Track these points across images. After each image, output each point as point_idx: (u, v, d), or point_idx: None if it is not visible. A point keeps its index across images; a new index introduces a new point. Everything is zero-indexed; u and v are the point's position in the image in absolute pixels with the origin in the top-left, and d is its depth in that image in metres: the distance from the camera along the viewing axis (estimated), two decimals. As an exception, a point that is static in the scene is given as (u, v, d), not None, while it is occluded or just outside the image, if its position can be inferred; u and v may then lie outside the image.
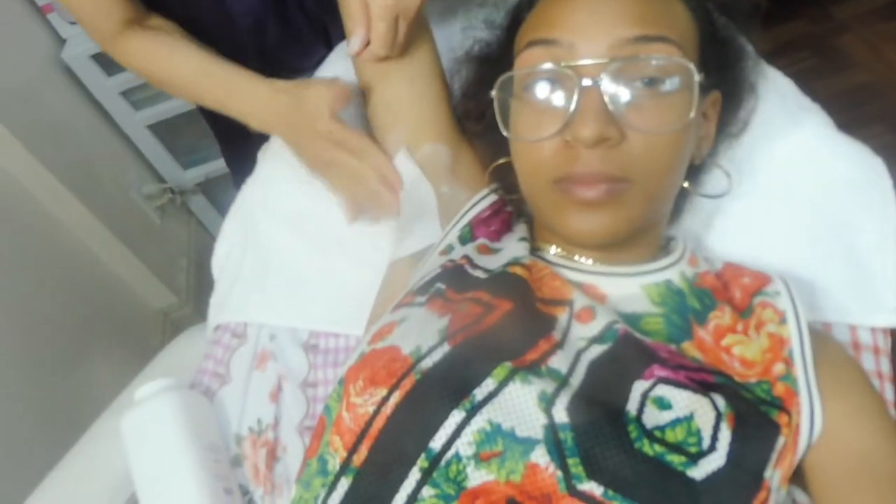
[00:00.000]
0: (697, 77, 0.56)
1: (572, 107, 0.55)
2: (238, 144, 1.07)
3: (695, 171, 0.70)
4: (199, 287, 1.81)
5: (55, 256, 1.45)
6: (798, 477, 0.57)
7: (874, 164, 0.74)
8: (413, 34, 0.68)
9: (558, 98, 0.57)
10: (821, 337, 0.61)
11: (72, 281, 1.48)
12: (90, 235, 1.54)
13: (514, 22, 0.67)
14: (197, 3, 0.85)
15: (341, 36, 0.87)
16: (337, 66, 0.87)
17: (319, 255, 0.81)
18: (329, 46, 0.92)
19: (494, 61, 0.69)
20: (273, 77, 0.81)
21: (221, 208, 1.84)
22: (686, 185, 0.65)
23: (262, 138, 0.88)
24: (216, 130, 1.09)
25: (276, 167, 0.84)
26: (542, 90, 0.58)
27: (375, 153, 0.72)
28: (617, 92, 0.55)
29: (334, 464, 0.52)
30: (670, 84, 0.56)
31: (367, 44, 0.65)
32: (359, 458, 0.51)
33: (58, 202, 1.45)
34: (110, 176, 1.66)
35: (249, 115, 0.78)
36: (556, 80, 0.57)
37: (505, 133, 0.61)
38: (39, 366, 1.27)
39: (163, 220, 1.80)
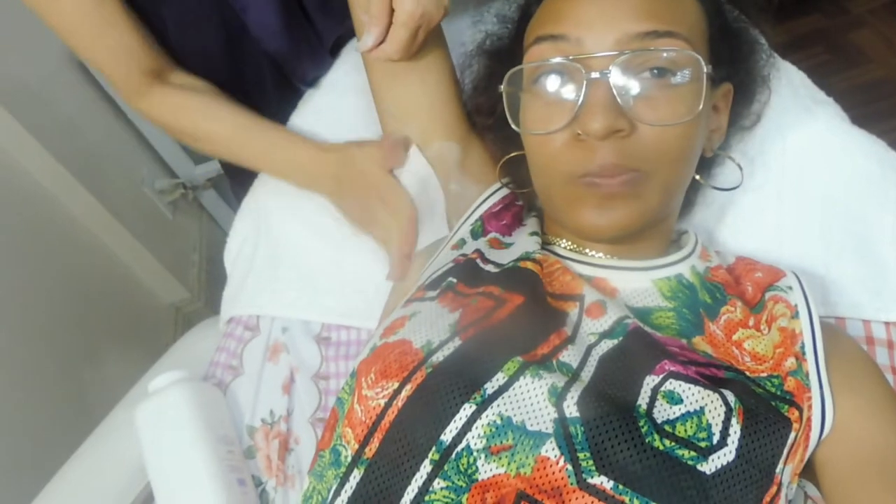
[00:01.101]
0: (706, 69, 0.56)
1: (580, 100, 0.55)
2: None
3: (706, 164, 0.70)
4: (210, 282, 1.82)
5: (68, 251, 1.46)
6: (809, 471, 0.57)
7: (889, 159, 0.74)
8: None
9: (567, 91, 0.57)
10: (833, 332, 0.61)
11: (84, 275, 1.49)
12: (103, 230, 1.55)
13: (524, 16, 0.67)
14: (211, 23, 0.84)
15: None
16: (346, 65, 0.87)
17: (331, 248, 0.81)
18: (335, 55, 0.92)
19: (505, 55, 0.69)
20: (285, 88, 0.81)
21: (233, 204, 1.84)
22: (698, 177, 0.65)
23: None
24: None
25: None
26: (551, 83, 0.58)
27: (407, 217, 0.71)
28: (626, 84, 0.55)
29: (346, 455, 0.53)
30: (680, 76, 0.56)
31: (379, 43, 0.65)
32: (371, 450, 0.51)
33: (71, 197, 1.46)
34: (123, 171, 1.67)
35: (294, 172, 0.78)
36: (564, 73, 0.57)
37: (514, 127, 0.61)
38: (52, 359, 1.28)
39: (175, 215, 1.81)
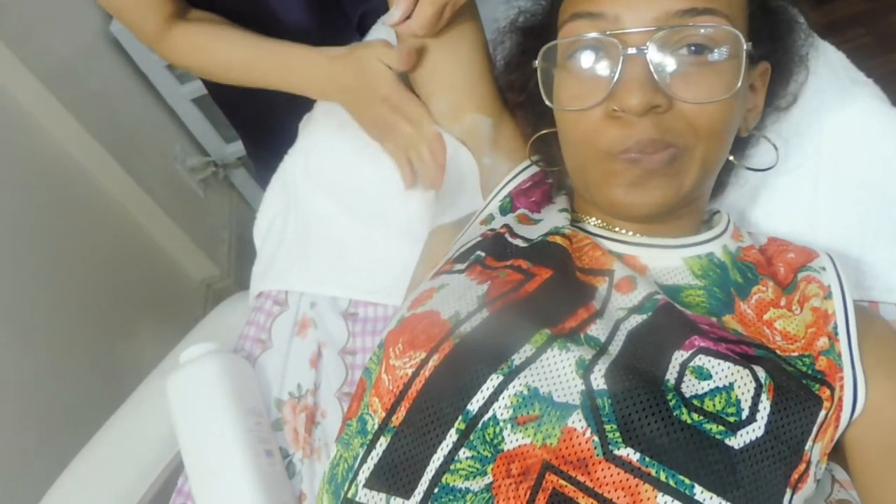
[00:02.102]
0: (746, 46, 0.55)
1: (616, 76, 0.54)
2: (257, 136, 1.08)
3: (741, 144, 0.69)
4: (239, 259, 1.84)
5: (101, 226, 1.49)
6: (838, 454, 0.56)
7: (929, 142, 0.72)
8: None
9: (602, 67, 0.56)
10: (867, 314, 0.60)
11: (117, 250, 1.52)
12: (135, 206, 1.58)
13: None
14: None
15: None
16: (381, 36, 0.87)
17: (360, 225, 0.81)
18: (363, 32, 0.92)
19: (538, 31, 0.68)
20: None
21: (262, 183, 1.86)
22: (731, 157, 0.64)
23: (281, 130, 0.89)
24: (235, 123, 1.09)
25: (317, 138, 0.85)
26: (586, 59, 0.57)
27: (429, 125, 0.73)
28: (663, 61, 0.54)
29: (373, 424, 0.53)
30: (717, 53, 0.55)
31: (407, 17, 0.65)
32: (397, 418, 0.52)
33: (105, 173, 1.49)
34: (156, 148, 1.70)
35: (307, 85, 0.79)
36: (600, 48, 0.56)
37: (548, 103, 0.61)
38: (84, 332, 1.31)
39: (206, 192, 1.84)
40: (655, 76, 0.53)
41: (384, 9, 0.85)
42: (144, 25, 0.80)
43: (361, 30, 0.92)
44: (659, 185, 0.56)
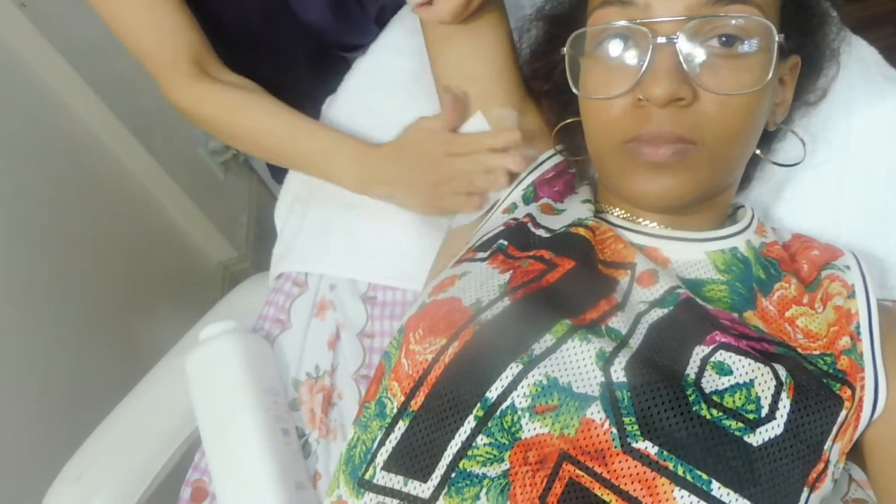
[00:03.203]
0: (778, 38, 0.54)
1: (645, 65, 0.54)
2: None
3: (767, 139, 0.68)
4: (257, 242, 1.85)
5: (122, 205, 1.50)
6: (856, 454, 0.56)
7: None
8: None
9: (631, 56, 0.56)
10: (891, 314, 0.60)
11: (138, 230, 1.53)
12: (157, 186, 1.59)
13: None
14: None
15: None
16: (396, 32, 0.87)
17: (381, 208, 0.82)
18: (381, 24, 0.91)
19: (565, 19, 0.68)
20: (323, 55, 0.78)
21: (275, 173, 1.87)
22: (758, 151, 0.63)
23: None
24: None
25: (338, 124, 0.85)
26: (614, 48, 0.57)
27: (480, 143, 0.69)
28: (692, 51, 0.54)
29: (392, 407, 0.53)
30: (748, 45, 0.54)
31: (429, 2, 0.64)
32: (416, 403, 0.52)
33: (128, 153, 1.50)
34: (178, 131, 1.70)
35: (338, 172, 0.76)
36: (629, 37, 0.56)
37: (575, 91, 0.61)
38: (103, 310, 1.33)
39: (226, 175, 1.85)
40: (685, 66, 0.53)
41: (402, 2, 0.85)
42: (169, 61, 0.74)
43: (380, 23, 0.92)
44: (674, 177, 0.55)
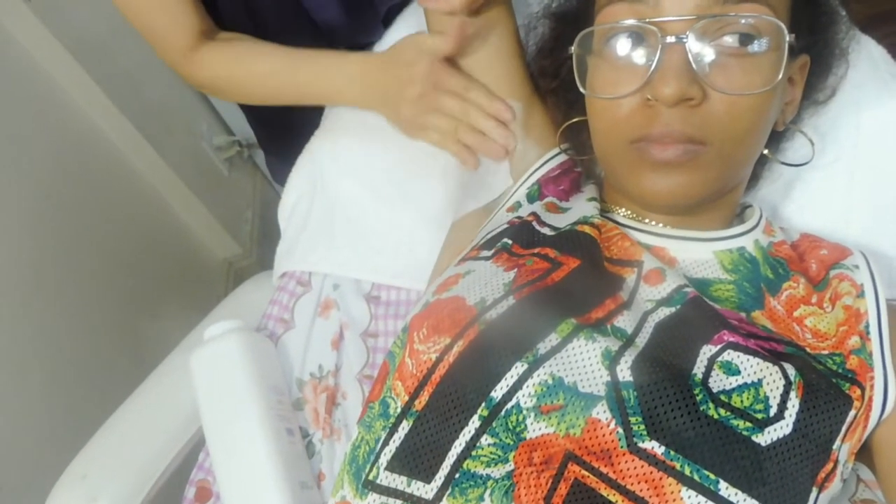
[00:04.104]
0: (789, 37, 0.54)
1: (654, 64, 0.53)
2: (271, 130, 1.07)
3: (776, 138, 0.67)
4: (261, 239, 1.85)
5: (126, 201, 1.50)
6: (864, 454, 0.55)
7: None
8: None
9: (639, 55, 0.55)
10: None
11: (142, 226, 1.53)
12: (162, 183, 1.59)
13: None
14: None
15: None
16: (401, 31, 0.86)
17: (385, 207, 0.81)
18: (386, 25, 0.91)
19: (573, 17, 0.67)
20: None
21: (273, 173, 1.87)
22: (766, 151, 0.63)
23: (300, 130, 0.88)
24: (250, 117, 1.09)
25: (344, 119, 0.84)
26: (623, 46, 0.56)
27: (477, 88, 0.70)
28: (702, 51, 0.53)
29: (396, 407, 0.53)
30: (758, 44, 0.53)
31: None
32: (420, 402, 0.52)
33: (133, 148, 1.50)
34: (183, 126, 1.70)
35: (341, 90, 0.77)
36: (638, 36, 0.55)
37: (582, 90, 0.60)
38: (107, 307, 1.33)
39: (230, 171, 1.84)
40: (694, 66, 0.52)
41: (409, 2, 0.85)
42: (174, 41, 0.77)
43: (386, 23, 0.92)
44: (682, 176, 0.55)
